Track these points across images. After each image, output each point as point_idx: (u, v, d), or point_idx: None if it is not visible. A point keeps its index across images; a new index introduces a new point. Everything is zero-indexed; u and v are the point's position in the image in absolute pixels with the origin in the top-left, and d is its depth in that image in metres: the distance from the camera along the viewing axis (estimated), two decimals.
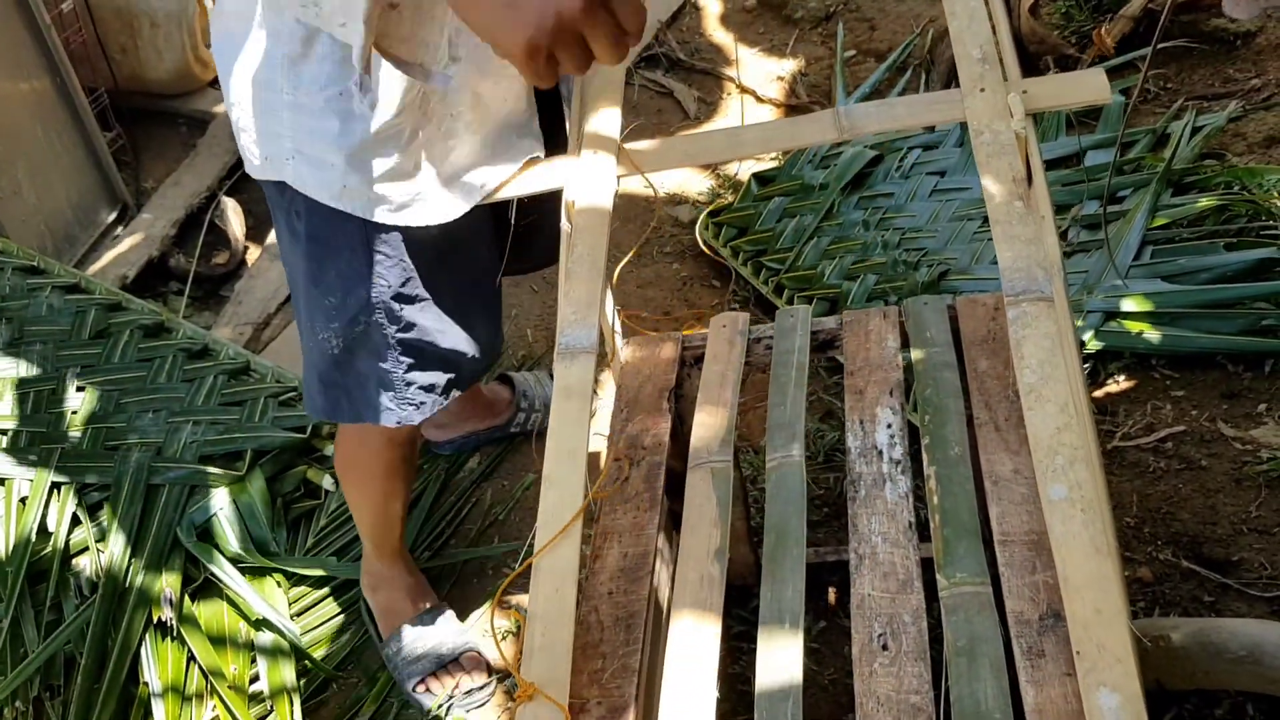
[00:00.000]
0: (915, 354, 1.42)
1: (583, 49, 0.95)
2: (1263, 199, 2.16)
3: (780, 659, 1.10)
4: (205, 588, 2.00)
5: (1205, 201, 2.17)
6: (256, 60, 1.25)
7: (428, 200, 1.33)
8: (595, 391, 1.27)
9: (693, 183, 2.80)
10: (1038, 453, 1.08)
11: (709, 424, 1.40)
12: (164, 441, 2.15)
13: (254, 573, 2.01)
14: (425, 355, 1.48)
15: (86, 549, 2.03)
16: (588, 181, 1.36)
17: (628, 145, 1.40)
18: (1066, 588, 0.99)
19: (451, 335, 1.49)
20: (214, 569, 1.98)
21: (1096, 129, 2.56)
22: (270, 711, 1.85)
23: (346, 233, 1.36)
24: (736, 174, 2.81)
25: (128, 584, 1.95)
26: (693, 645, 1.13)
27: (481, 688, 1.84)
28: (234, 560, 2.01)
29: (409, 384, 1.49)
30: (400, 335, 1.44)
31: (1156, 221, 2.18)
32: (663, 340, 1.58)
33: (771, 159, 2.79)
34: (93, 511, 2.09)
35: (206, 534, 2.05)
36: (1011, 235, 1.27)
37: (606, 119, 1.42)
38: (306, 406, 1.62)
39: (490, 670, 1.86)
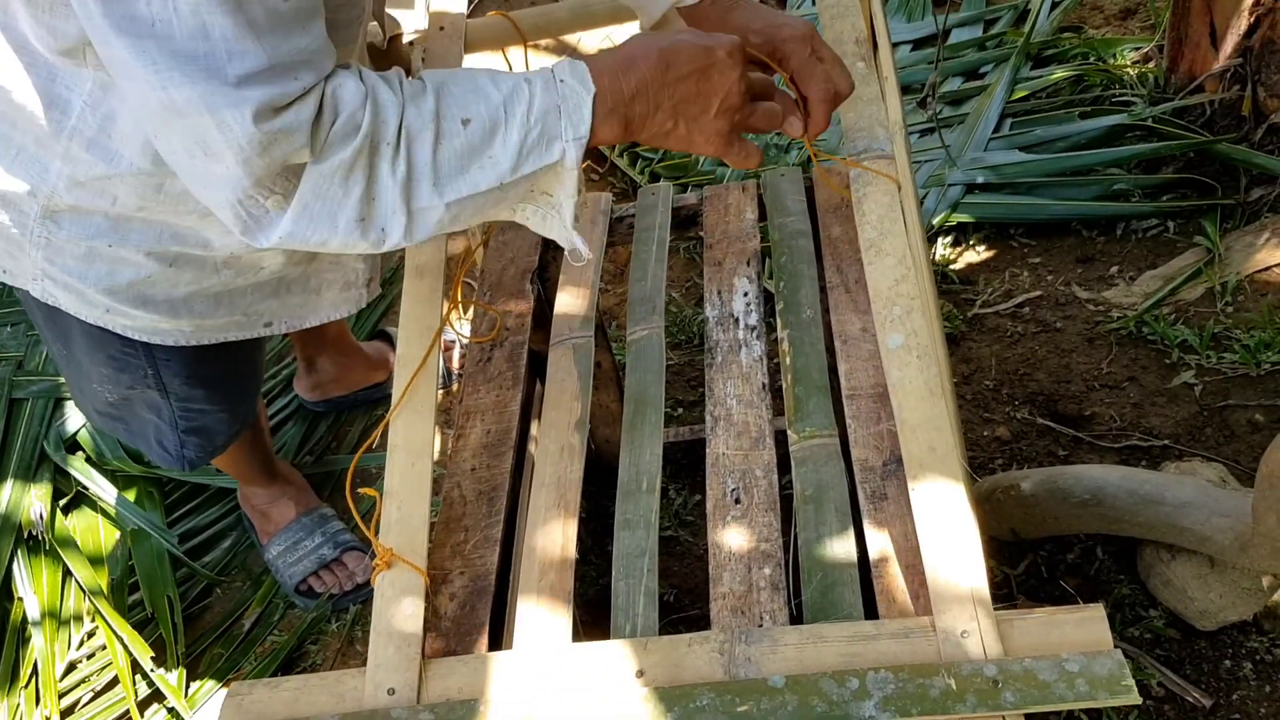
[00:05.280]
0: (772, 223, 1.43)
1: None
2: (1115, 68, 2.20)
3: (637, 520, 1.13)
4: (78, 501, 1.96)
5: (1060, 73, 2.21)
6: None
7: (203, 332, 1.31)
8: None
9: None
10: (877, 303, 1.10)
11: (571, 303, 1.40)
12: (24, 355, 2.08)
13: (128, 483, 1.97)
14: (200, 416, 1.50)
15: None
16: (435, 55, 1.33)
17: (472, 20, 1.37)
18: (903, 430, 1.02)
19: (223, 398, 1.51)
20: (85, 481, 1.94)
21: (961, 6, 2.58)
22: (152, 620, 1.83)
23: (110, 335, 1.30)
24: None
25: None
26: (554, 511, 1.14)
27: (366, 584, 1.84)
28: (106, 472, 1.96)
29: (184, 443, 1.52)
30: (175, 404, 1.46)
31: (1017, 94, 2.21)
32: None
33: None
34: None
35: (76, 447, 2.01)
36: (855, 96, 1.28)
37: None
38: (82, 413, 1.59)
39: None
